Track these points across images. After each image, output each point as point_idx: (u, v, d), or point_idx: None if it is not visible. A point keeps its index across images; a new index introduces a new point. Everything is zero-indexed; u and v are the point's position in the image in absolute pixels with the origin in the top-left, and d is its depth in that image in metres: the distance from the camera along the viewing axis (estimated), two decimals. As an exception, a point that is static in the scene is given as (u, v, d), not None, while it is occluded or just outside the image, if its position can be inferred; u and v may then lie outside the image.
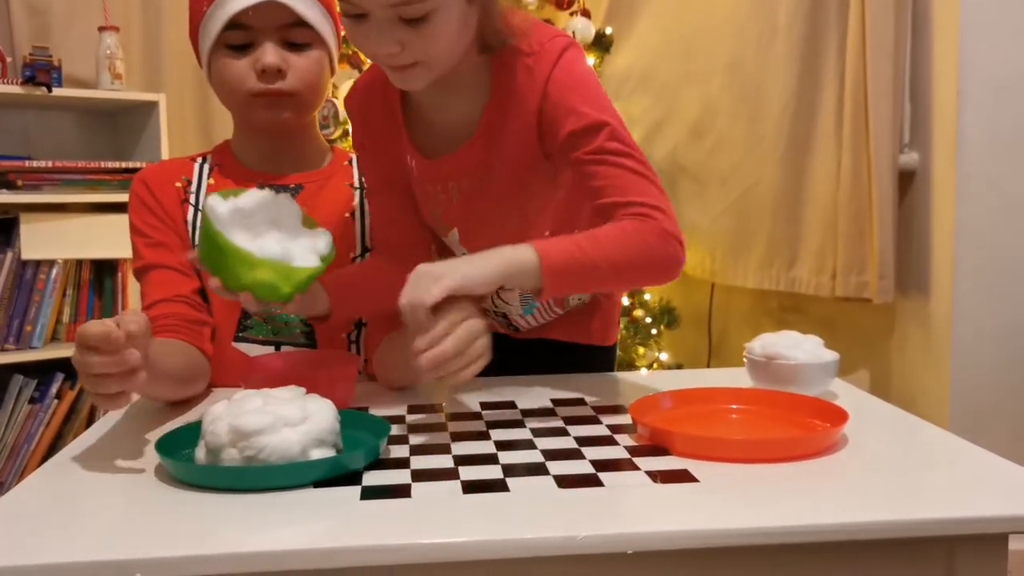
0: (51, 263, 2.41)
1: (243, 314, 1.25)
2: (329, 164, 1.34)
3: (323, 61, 1.24)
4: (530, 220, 1.17)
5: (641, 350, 2.65)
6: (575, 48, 1.07)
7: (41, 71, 2.35)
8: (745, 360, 1.14)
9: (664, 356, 2.75)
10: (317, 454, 0.86)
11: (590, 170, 1.03)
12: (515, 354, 1.27)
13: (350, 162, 1.34)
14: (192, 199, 1.28)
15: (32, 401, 2.38)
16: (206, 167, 1.31)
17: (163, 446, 0.89)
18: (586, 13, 2.70)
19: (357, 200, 1.31)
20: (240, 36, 1.19)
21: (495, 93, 1.07)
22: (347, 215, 1.30)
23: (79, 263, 2.47)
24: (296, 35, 1.21)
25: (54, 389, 2.39)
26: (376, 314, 1.24)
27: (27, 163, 2.38)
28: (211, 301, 1.25)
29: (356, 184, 1.32)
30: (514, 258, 0.95)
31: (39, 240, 2.38)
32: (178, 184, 1.29)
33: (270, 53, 1.19)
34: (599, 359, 1.34)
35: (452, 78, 1.05)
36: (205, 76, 1.27)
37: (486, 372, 1.16)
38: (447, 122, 1.12)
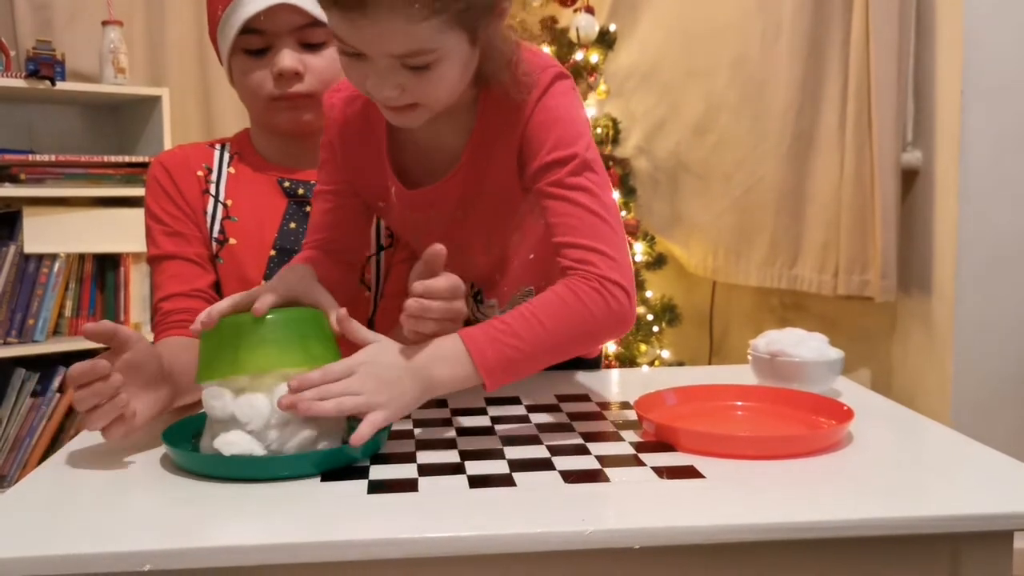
0: (54, 257, 2.41)
1: None
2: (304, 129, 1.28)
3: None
4: (511, 247, 1.16)
5: (643, 347, 2.65)
6: (564, 80, 1.03)
7: (44, 65, 2.35)
8: (749, 357, 1.15)
9: (666, 354, 2.75)
10: (324, 445, 0.87)
11: (546, 204, 0.99)
12: None
13: None
14: (212, 189, 1.27)
15: (34, 395, 2.38)
16: (226, 155, 1.30)
17: (169, 436, 0.89)
18: (590, 9, 2.70)
19: None
20: (256, 41, 1.19)
21: (480, 124, 1.04)
22: None
23: (82, 257, 2.47)
24: (312, 35, 1.20)
25: (56, 383, 2.39)
26: None
27: (30, 157, 2.37)
28: (225, 296, 1.24)
29: None
30: (445, 378, 0.91)
31: (42, 234, 2.38)
32: (199, 173, 1.28)
33: (287, 57, 1.18)
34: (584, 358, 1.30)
35: (440, 110, 1.01)
36: (227, 76, 1.26)
37: None
38: (431, 149, 1.08)
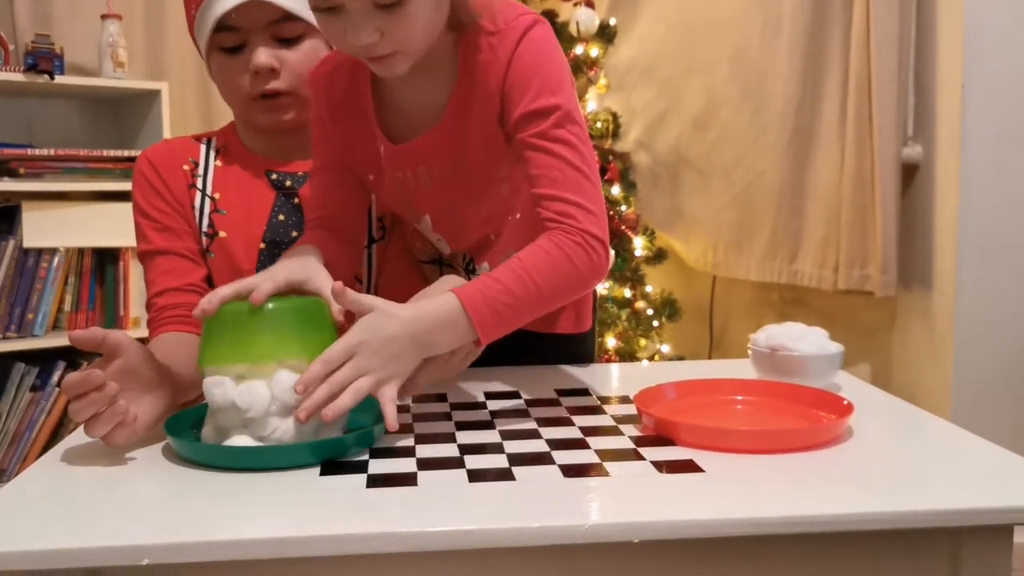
0: (53, 251, 2.40)
1: None
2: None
3: (318, 49, 1.22)
4: (502, 204, 1.15)
5: (643, 342, 2.65)
6: (541, 25, 1.03)
7: (43, 59, 2.34)
8: (749, 351, 1.14)
9: (665, 348, 2.75)
10: (325, 434, 0.88)
11: (527, 155, 1.00)
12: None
13: None
14: (199, 183, 1.27)
15: (34, 389, 2.38)
16: (212, 149, 1.30)
17: (171, 425, 0.89)
18: (590, 3, 2.70)
19: None
20: (231, 38, 1.18)
21: (462, 75, 1.04)
22: None
23: (81, 251, 2.47)
24: (286, 30, 1.19)
25: (55, 377, 2.39)
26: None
27: (29, 151, 2.37)
28: (216, 271, 1.25)
29: None
30: (453, 338, 0.93)
31: (41, 228, 2.38)
32: (185, 167, 1.27)
33: (262, 55, 1.17)
34: (575, 345, 1.31)
35: (421, 61, 1.02)
36: (207, 72, 1.26)
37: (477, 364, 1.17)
38: (416, 106, 1.09)
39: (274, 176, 1.27)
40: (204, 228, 1.25)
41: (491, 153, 1.07)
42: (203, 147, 1.30)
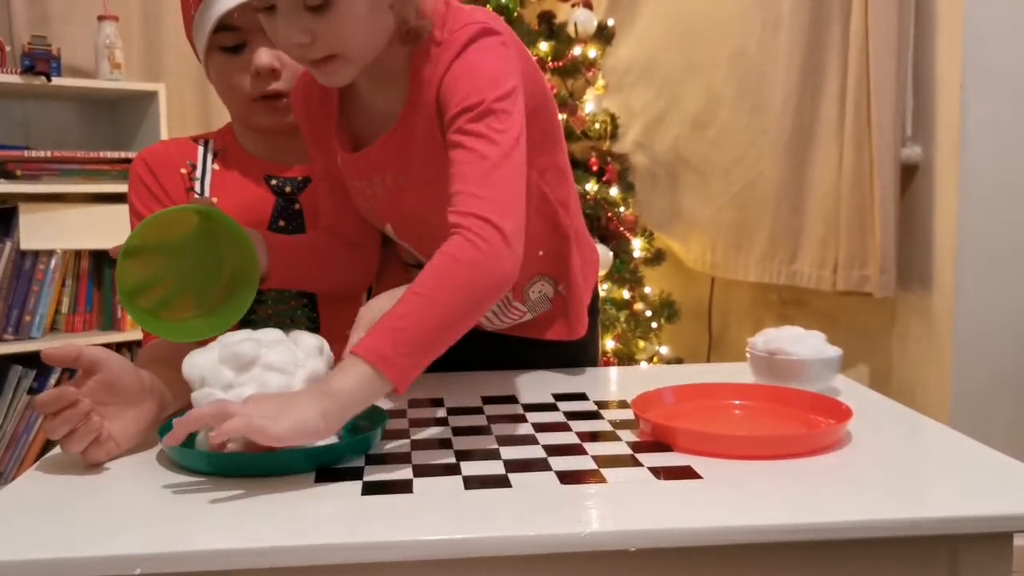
0: (50, 253, 2.40)
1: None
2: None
3: None
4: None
5: (641, 343, 2.64)
6: (488, 37, 0.99)
7: (40, 60, 2.34)
8: (748, 355, 1.14)
9: (664, 350, 2.75)
10: (321, 440, 0.87)
11: (449, 155, 0.95)
12: (485, 347, 1.24)
13: None
14: (197, 187, 1.26)
15: (31, 391, 2.37)
16: (209, 152, 1.29)
17: (167, 431, 0.88)
18: (588, 4, 2.69)
19: None
20: (232, 38, 1.17)
21: (412, 85, 1.02)
22: None
23: (78, 253, 2.47)
24: None
25: (53, 380, 2.39)
26: (307, 287, 1.22)
27: (26, 153, 2.37)
28: None
29: None
30: (344, 389, 0.84)
31: (38, 230, 2.37)
32: (183, 170, 1.26)
33: (263, 55, 1.17)
34: (573, 352, 1.29)
35: (376, 71, 1.01)
36: (205, 75, 1.25)
37: (458, 366, 1.18)
38: (374, 115, 1.09)
39: (273, 181, 1.26)
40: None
41: (437, 162, 1.01)
42: (201, 149, 1.29)
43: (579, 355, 1.30)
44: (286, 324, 1.25)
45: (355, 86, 1.08)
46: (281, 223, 1.25)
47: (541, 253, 1.18)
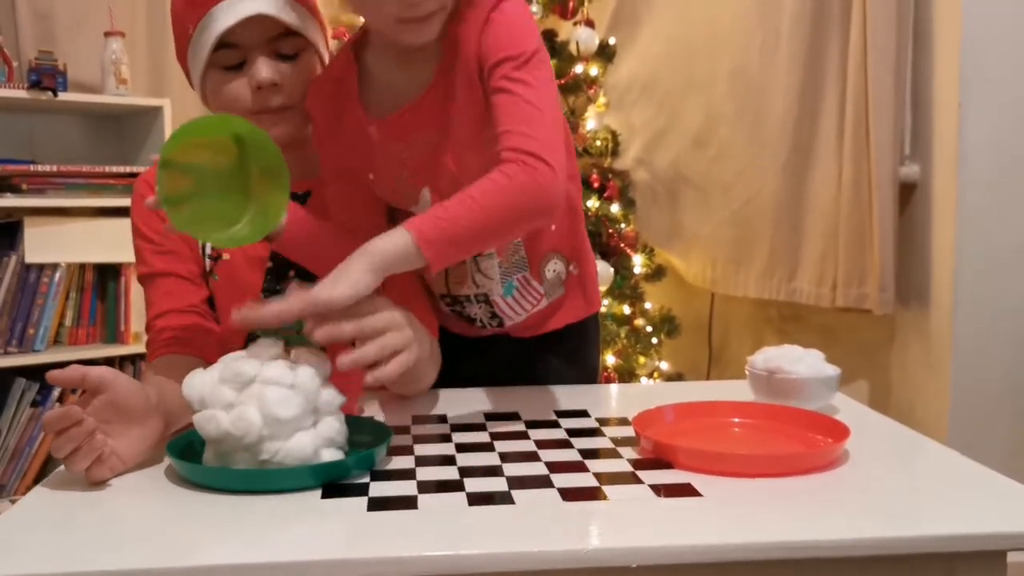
0: (54, 266, 2.42)
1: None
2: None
3: (315, 66, 1.22)
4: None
5: (641, 359, 2.66)
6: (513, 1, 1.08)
7: (46, 75, 2.36)
8: (747, 374, 1.15)
9: (664, 365, 2.76)
10: (327, 455, 0.88)
11: (492, 100, 1.04)
12: (513, 358, 1.29)
13: None
14: None
15: (34, 404, 2.38)
16: None
17: (174, 447, 0.90)
18: (590, 23, 2.72)
19: None
20: (231, 55, 1.17)
21: (445, 46, 1.09)
22: None
23: (82, 267, 2.48)
24: (285, 46, 1.19)
25: (56, 393, 2.40)
26: (313, 265, 1.22)
27: (32, 167, 2.39)
28: (219, 312, 1.24)
29: None
30: (387, 248, 0.95)
31: (43, 244, 2.39)
32: None
33: (264, 68, 1.17)
34: (590, 328, 1.36)
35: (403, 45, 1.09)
36: (200, 97, 1.25)
37: (484, 381, 1.25)
38: (398, 89, 1.13)
39: None
40: (208, 251, 1.25)
41: (476, 118, 1.09)
42: None
43: (594, 330, 1.37)
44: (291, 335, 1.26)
45: (377, 64, 1.14)
46: None
47: (553, 227, 1.23)
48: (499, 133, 1.02)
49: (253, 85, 1.18)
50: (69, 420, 0.84)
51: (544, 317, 1.30)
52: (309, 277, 1.22)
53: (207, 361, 1.14)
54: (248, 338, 1.25)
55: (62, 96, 2.37)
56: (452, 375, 1.24)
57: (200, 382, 0.89)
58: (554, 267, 1.27)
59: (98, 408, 0.88)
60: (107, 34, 2.50)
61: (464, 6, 1.07)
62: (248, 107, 1.19)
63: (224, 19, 1.14)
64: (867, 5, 2.41)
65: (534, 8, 2.57)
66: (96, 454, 0.86)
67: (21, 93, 2.33)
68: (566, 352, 1.33)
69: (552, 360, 1.32)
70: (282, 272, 1.24)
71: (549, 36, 2.72)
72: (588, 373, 1.37)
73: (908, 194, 2.52)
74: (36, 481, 2.31)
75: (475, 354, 1.31)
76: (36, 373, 2.39)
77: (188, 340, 1.17)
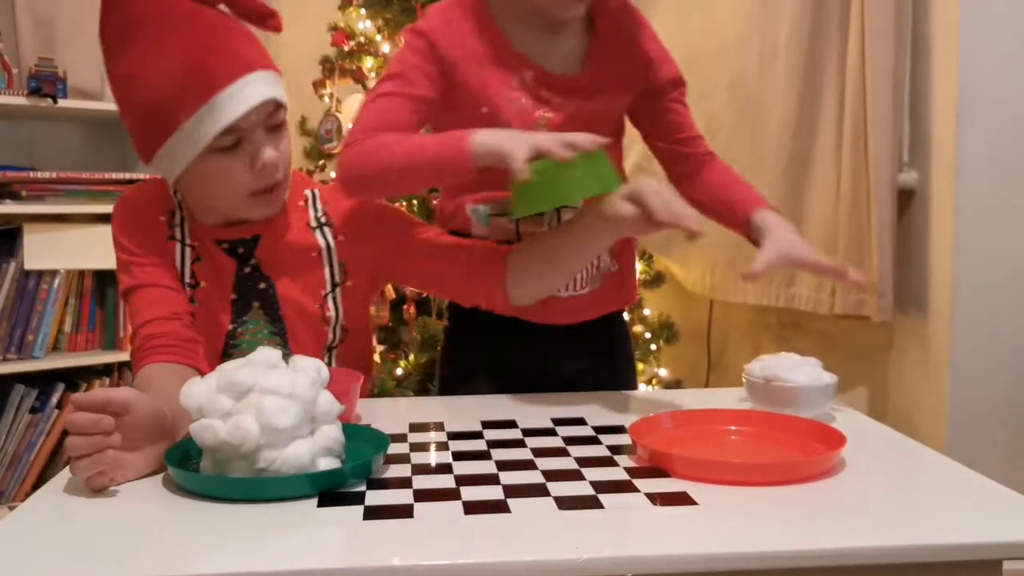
0: (54, 273, 2.42)
1: (229, 334, 1.24)
2: (284, 208, 1.26)
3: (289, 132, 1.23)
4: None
5: (640, 366, 2.66)
6: None
7: (46, 82, 2.37)
8: (744, 381, 1.16)
9: (663, 372, 2.76)
10: (324, 463, 0.88)
11: (674, 107, 1.37)
12: (552, 347, 1.34)
13: (306, 202, 1.28)
14: (178, 234, 1.23)
15: (33, 411, 2.38)
16: (178, 201, 1.26)
17: (172, 455, 0.90)
18: (589, 30, 2.72)
19: (321, 239, 1.26)
20: (232, 138, 1.14)
21: (600, 22, 1.28)
22: (313, 255, 1.26)
23: (81, 273, 2.48)
24: (277, 118, 1.18)
25: (55, 399, 2.40)
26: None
27: (31, 174, 2.39)
28: (197, 320, 1.22)
29: (314, 223, 1.27)
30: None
31: (42, 250, 2.39)
32: (162, 218, 1.24)
33: (269, 151, 1.16)
34: (622, 321, 1.47)
35: (555, 22, 1.24)
36: (166, 178, 1.21)
37: (526, 367, 1.33)
38: (547, 49, 1.26)
39: (225, 245, 1.24)
40: (187, 279, 1.23)
41: (616, 109, 1.33)
42: (176, 196, 1.25)
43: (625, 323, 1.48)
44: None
45: (514, 28, 1.25)
46: (246, 270, 1.24)
47: None
48: (692, 136, 1.39)
49: (258, 167, 1.16)
50: (98, 429, 0.85)
51: (581, 305, 1.33)
52: (271, 307, 1.24)
53: (191, 367, 1.14)
54: (226, 346, 1.24)
55: (62, 103, 2.38)
56: (494, 363, 1.33)
57: (198, 391, 0.89)
58: (603, 260, 1.33)
59: (119, 427, 0.88)
60: (107, 41, 2.50)
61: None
62: (249, 188, 1.18)
63: (232, 108, 1.12)
64: (865, 14, 2.41)
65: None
66: (101, 468, 0.86)
67: (21, 100, 2.34)
68: (603, 340, 1.40)
69: (588, 349, 1.37)
70: (247, 307, 1.24)
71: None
72: (623, 363, 1.46)
73: (906, 201, 2.53)
74: (35, 487, 2.31)
75: (519, 342, 1.33)
76: (35, 379, 2.40)
77: (172, 347, 1.15)
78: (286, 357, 1.20)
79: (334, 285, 1.27)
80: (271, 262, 1.25)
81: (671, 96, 1.35)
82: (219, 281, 1.24)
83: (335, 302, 1.26)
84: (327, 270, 1.26)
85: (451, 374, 1.41)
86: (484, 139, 1.10)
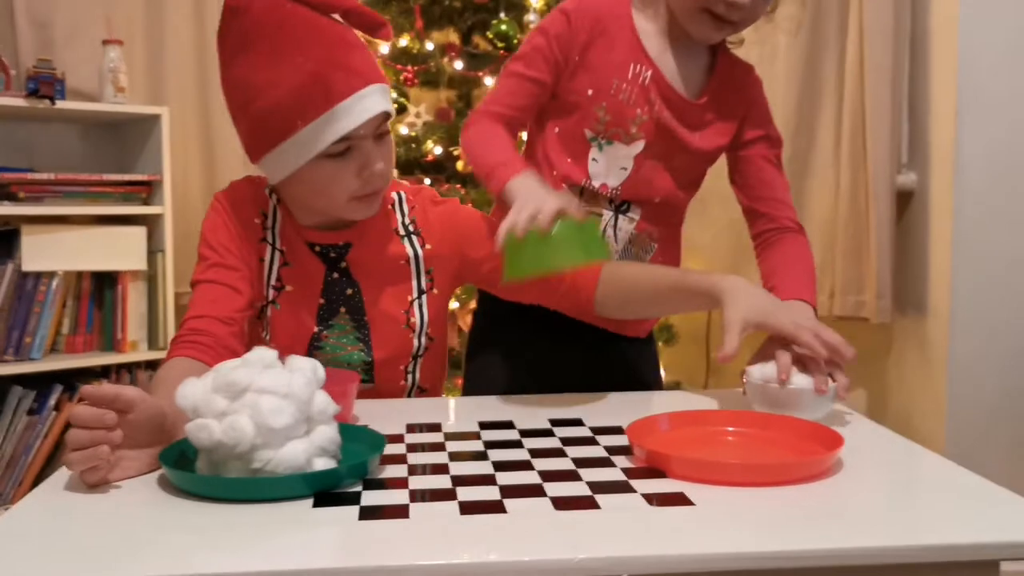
0: (52, 275, 2.42)
1: (314, 337, 1.26)
2: (376, 215, 1.28)
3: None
4: (680, 198, 1.48)
5: (639, 367, 2.65)
6: None
7: (45, 84, 2.36)
8: (743, 383, 1.15)
9: (662, 373, 2.75)
10: (320, 463, 0.88)
11: (763, 166, 1.40)
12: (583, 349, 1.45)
13: (393, 205, 1.32)
14: (269, 237, 1.26)
15: (30, 412, 2.38)
16: (273, 204, 1.29)
17: (167, 456, 0.90)
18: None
19: (409, 248, 1.29)
20: (343, 146, 1.18)
21: (719, 66, 1.37)
22: (402, 263, 1.29)
23: (79, 274, 2.48)
24: (383, 128, 1.22)
25: (52, 400, 2.40)
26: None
27: (29, 175, 2.39)
28: (273, 337, 1.25)
29: (401, 230, 1.30)
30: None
31: (40, 252, 2.39)
32: (257, 220, 1.27)
33: (378, 160, 1.20)
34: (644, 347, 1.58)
35: (688, 44, 1.34)
36: (271, 177, 1.23)
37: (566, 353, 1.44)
38: (683, 69, 1.34)
39: (317, 248, 1.27)
40: (272, 281, 1.25)
41: (711, 147, 1.38)
42: (272, 200, 1.28)
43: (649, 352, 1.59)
44: (343, 367, 1.27)
45: (651, 39, 1.33)
46: (335, 275, 1.27)
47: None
48: (778, 199, 1.41)
49: (365, 175, 1.19)
50: (102, 424, 0.85)
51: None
52: (358, 313, 1.27)
53: (207, 365, 1.14)
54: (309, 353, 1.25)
55: (60, 104, 2.38)
56: (537, 353, 1.42)
57: (193, 391, 0.89)
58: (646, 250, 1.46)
59: (121, 425, 0.88)
60: (105, 42, 2.50)
61: (728, 50, 1.40)
62: (354, 193, 1.21)
63: (348, 120, 1.16)
64: (864, 16, 2.42)
65: (531, 17, 2.57)
66: (96, 463, 0.86)
67: (19, 101, 2.33)
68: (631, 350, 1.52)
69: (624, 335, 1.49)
70: (335, 311, 1.27)
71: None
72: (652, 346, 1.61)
73: (905, 202, 2.53)
74: (32, 489, 2.30)
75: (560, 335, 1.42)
76: (33, 381, 2.39)
77: (213, 350, 1.15)
78: (369, 365, 1.24)
79: (420, 292, 1.29)
80: (360, 268, 1.27)
81: (762, 151, 1.39)
82: (307, 285, 1.27)
83: (421, 309, 1.28)
84: (414, 278, 1.29)
85: (477, 370, 1.49)
86: (513, 187, 1.17)
